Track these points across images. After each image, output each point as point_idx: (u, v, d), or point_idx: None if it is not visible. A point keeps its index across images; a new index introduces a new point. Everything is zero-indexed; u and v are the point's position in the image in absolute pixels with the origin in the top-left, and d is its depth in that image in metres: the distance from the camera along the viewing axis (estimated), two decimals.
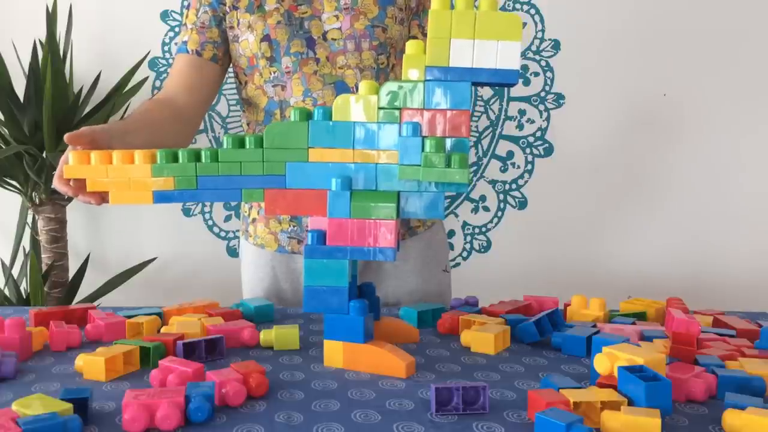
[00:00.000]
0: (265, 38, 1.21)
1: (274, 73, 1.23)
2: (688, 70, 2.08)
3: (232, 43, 1.26)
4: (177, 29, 2.04)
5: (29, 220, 1.96)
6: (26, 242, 1.99)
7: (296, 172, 0.86)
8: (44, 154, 1.82)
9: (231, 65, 1.31)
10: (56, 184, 0.97)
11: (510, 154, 2.12)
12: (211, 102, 1.33)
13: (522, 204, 2.15)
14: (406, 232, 1.31)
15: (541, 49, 2.09)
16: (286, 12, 1.21)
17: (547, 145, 2.11)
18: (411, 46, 0.84)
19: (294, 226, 1.28)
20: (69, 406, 0.68)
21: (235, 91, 2.03)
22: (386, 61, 1.25)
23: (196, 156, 0.88)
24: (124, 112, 1.95)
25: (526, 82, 2.10)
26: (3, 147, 1.82)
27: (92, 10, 2.01)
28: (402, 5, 1.26)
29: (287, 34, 1.21)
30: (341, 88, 1.21)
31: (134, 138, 1.05)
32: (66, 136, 0.94)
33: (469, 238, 2.18)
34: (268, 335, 0.97)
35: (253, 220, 1.33)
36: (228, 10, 1.24)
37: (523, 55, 2.08)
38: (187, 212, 2.11)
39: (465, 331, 0.98)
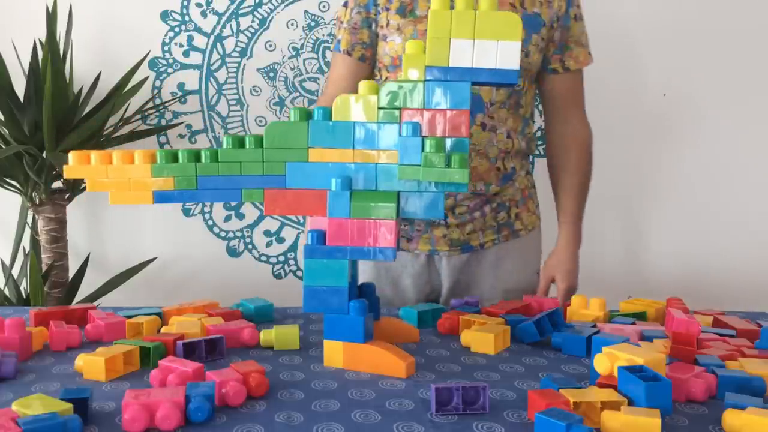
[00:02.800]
0: None
1: None
2: (688, 70, 2.08)
3: (380, 41, 1.31)
4: (177, 29, 2.04)
5: (29, 220, 1.96)
6: (26, 242, 1.99)
7: (296, 172, 0.86)
8: (44, 154, 1.82)
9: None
10: None
11: None
12: None
13: None
14: (510, 234, 1.35)
15: None
16: None
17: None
18: (410, 46, 0.84)
19: (404, 225, 1.31)
20: (69, 406, 0.68)
21: (235, 91, 2.04)
22: (522, 84, 1.29)
23: (196, 156, 0.88)
24: (124, 113, 1.95)
25: None
26: (3, 147, 1.82)
27: (92, 10, 2.01)
28: (544, 35, 1.29)
29: None
30: (476, 100, 1.25)
31: None
32: None
33: None
34: (268, 335, 0.97)
35: None
36: (380, 10, 1.29)
37: None
38: (187, 212, 2.11)
39: (465, 331, 0.98)
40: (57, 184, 1.92)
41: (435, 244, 1.31)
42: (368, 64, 1.34)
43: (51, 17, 1.84)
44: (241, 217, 2.11)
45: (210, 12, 2.02)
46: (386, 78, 1.33)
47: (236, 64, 2.04)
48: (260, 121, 2.07)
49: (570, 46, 1.33)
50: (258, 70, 2.03)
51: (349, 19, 1.32)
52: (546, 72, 1.33)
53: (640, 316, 1.10)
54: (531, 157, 1.45)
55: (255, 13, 2.02)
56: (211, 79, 2.05)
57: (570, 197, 1.39)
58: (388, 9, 1.28)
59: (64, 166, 0.91)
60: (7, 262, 1.97)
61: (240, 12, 2.02)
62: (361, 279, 1.40)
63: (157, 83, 2.06)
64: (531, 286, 1.38)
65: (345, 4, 1.34)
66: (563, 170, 1.40)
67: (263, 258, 2.11)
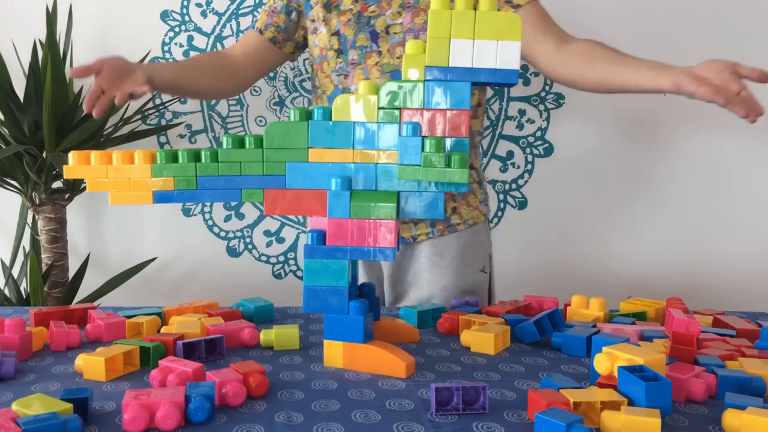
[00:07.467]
0: (336, 33, 1.34)
1: (340, 63, 1.34)
2: None
3: (310, 35, 1.39)
4: (177, 29, 2.04)
5: (29, 220, 1.96)
6: (26, 242, 1.99)
7: (296, 172, 0.86)
8: (44, 154, 1.82)
9: (308, 53, 1.43)
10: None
11: (510, 154, 2.12)
12: (258, 79, 1.47)
13: (522, 204, 2.15)
14: (446, 228, 1.34)
15: None
16: (358, 12, 1.34)
17: (547, 145, 2.11)
18: (411, 46, 0.84)
19: None
20: (69, 406, 0.68)
21: None
22: None
23: (196, 156, 0.88)
24: (124, 113, 1.95)
25: (526, 82, 2.10)
26: (3, 147, 1.82)
27: (92, 10, 2.01)
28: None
29: (354, 29, 1.33)
30: (396, 76, 1.28)
31: (176, 75, 1.32)
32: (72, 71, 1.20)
33: None
34: (268, 335, 0.97)
35: None
36: (312, 5, 1.37)
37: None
38: (187, 212, 2.11)
39: (465, 331, 0.98)
40: (57, 184, 1.92)
41: None
42: (277, 48, 1.41)
43: (51, 17, 1.83)
44: (241, 217, 2.11)
45: (210, 12, 2.02)
46: (317, 72, 1.40)
47: None
48: (260, 121, 2.07)
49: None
50: None
51: (271, 4, 1.41)
52: None
53: (640, 316, 1.10)
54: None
55: (255, 13, 2.02)
56: None
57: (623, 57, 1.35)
58: (317, 3, 1.36)
59: (64, 166, 0.91)
60: (7, 262, 1.97)
61: (240, 12, 2.02)
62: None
63: None
64: (475, 284, 1.36)
65: None
66: (591, 60, 1.34)
67: (263, 258, 2.10)
